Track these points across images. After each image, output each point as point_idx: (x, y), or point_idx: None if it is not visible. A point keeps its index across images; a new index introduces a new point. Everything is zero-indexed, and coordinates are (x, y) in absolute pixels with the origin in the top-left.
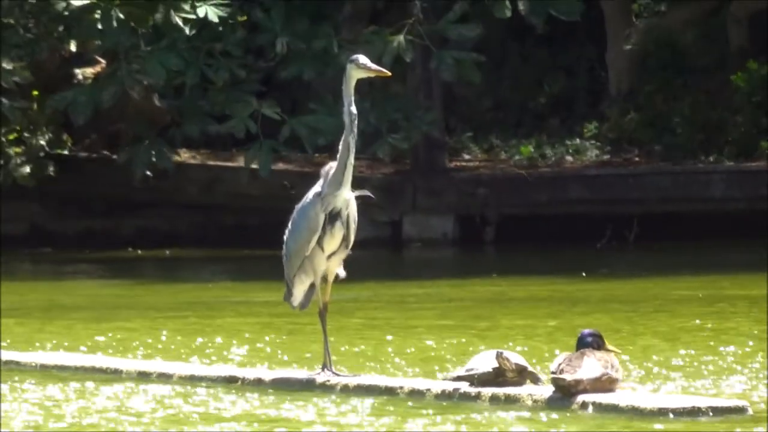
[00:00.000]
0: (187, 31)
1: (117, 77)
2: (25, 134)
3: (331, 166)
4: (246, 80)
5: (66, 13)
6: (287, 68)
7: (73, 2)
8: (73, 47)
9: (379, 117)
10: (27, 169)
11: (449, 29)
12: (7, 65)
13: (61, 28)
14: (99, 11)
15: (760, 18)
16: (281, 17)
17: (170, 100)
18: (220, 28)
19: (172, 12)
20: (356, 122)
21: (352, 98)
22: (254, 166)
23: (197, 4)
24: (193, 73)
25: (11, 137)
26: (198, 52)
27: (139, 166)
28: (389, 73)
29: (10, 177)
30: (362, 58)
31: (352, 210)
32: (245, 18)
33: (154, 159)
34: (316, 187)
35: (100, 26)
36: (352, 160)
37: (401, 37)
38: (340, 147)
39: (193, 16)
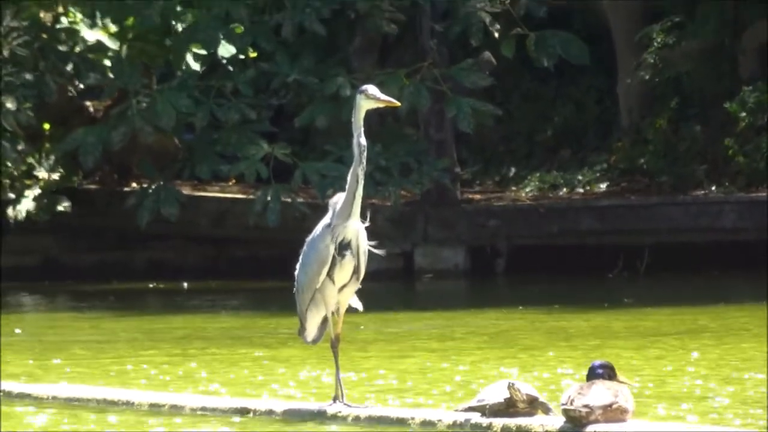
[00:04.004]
0: (198, 67)
1: (127, 117)
2: (36, 171)
3: (340, 197)
4: (257, 120)
5: (77, 50)
6: (300, 114)
7: (86, 37)
8: (81, 85)
9: (389, 159)
10: (37, 205)
11: (462, 76)
12: (12, 105)
13: (69, 67)
14: (110, 52)
15: None
16: (287, 59)
17: (181, 135)
18: (230, 68)
19: (188, 54)
20: (365, 153)
21: (362, 129)
22: (267, 198)
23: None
24: (203, 114)
25: (22, 170)
26: (209, 91)
27: (144, 215)
28: (399, 103)
29: (22, 214)
30: (371, 89)
31: (362, 241)
32: (255, 55)
33: (160, 205)
34: (326, 219)
35: (109, 64)
36: (360, 190)
37: (417, 83)
38: (349, 178)
39: (204, 52)
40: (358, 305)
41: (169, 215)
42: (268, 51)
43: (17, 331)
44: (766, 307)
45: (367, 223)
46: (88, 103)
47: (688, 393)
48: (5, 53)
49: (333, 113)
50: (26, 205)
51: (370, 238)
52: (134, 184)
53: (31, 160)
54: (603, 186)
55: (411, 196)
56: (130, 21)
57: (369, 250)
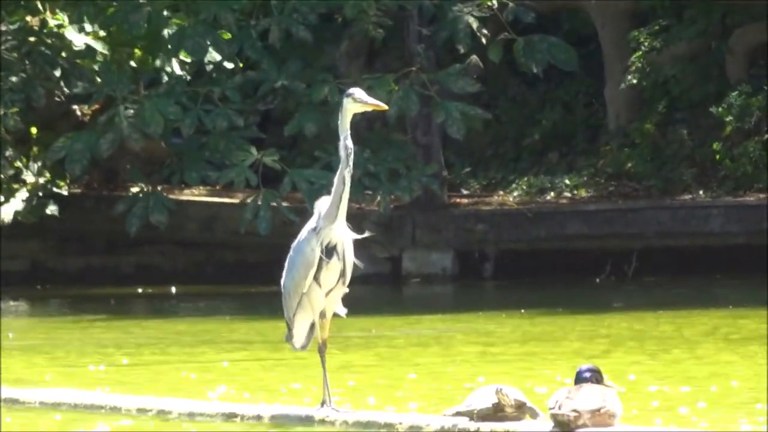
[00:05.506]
0: (186, 74)
1: (115, 125)
2: (23, 175)
3: (326, 201)
4: (244, 126)
5: (64, 54)
6: (287, 120)
7: (75, 42)
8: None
9: (378, 165)
10: (25, 207)
11: (450, 81)
12: None
13: (57, 73)
14: (98, 56)
15: (758, 51)
16: (274, 65)
17: (169, 139)
18: (218, 74)
19: (174, 61)
20: (352, 156)
21: (348, 132)
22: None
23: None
24: (191, 121)
25: (9, 174)
26: (196, 97)
27: (134, 223)
28: (386, 107)
29: (9, 216)
30: (359, 92)
31: (348, 244)
32: (241, 65)
33: (149, 212)
34: (311, 223)
35: (96, 69)
36: (347, 193)
37: (406, 88)
38: (335, 180)
39: (189, 60)
40: (342, 311)
41: (158, 223)
42: (254, 59)
43: (10, 335)
44: (755, 312)
45: (357, 236)
46: (75, 107)
47: (676, 398)
48: None
49: (321, 120)
50: (14, 206)
51: (357, 242)
52: (122, 190)
53: (18, 164)
54: (590, 190)
55: (399, 201)
56: (116, 27)
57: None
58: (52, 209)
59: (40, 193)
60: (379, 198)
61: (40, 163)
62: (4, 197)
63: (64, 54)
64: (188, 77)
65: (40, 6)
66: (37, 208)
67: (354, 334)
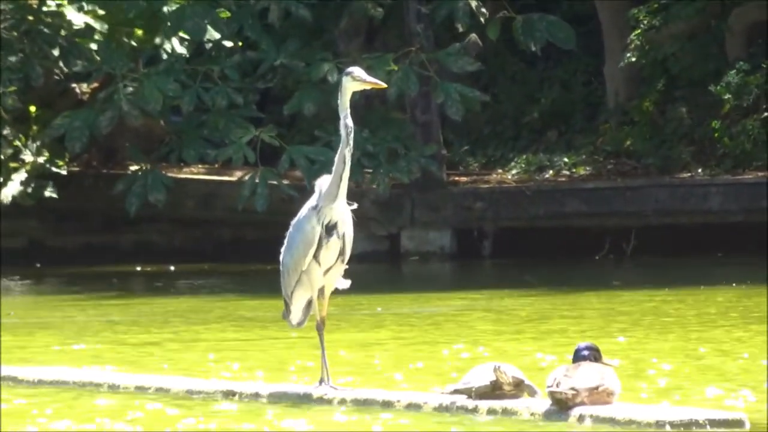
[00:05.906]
0: (185, 52)
1: (114, 102)
2: (22, 155)
3: (326, 179)
4: (243, 105)
5: (63, 33)
6: (287, 99)
7: (74, 22)
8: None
9: (377, 145)
10: (23, 190)
11: (450, 61)
12: None
13: (56, 52)
14: (97, 35)
15: (758, 29)
16: (273, 45)
17: (168, 117)
18: (213, 54)
19: (174, 39)
20: (352, 135)
21: (348, 111)
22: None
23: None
24: (190, 98)
25: (8, 153)
26: (195, 75)
27: (133, 202)
28: (385, 85)
29: (8, 198)
30: (358, 71)
31: (348, 223)
32: (240, 44)
33: (148, 191)
34: (312, 201)
35: (95, 48)
36: (347, 172)
37: (406, 67)
38: (336, 159)
39: (187, 37)
40: (345, 284)
41: (157, 201)
42: (253, 39)
43: (11, 313)
44: (753, 290)
45: (354, 206)
46: (75, 86)
47: (675, 376)
48: None
49: (320, 99)
50: (12, 189)
51: (356, 220)
52: (121, 168)
53: (17, 143)
54: (589, 168)
55: (397, 180)
56: (115, 6)
57: (353, 217)
58: (50, 191)
59: (39, 175)
60: (378, 180)
61: (39, 143)
62: (3, 178)
63: (63, 33)
64: (187, 55)
65: None
66: (35, 191)
67: (362, 312)
